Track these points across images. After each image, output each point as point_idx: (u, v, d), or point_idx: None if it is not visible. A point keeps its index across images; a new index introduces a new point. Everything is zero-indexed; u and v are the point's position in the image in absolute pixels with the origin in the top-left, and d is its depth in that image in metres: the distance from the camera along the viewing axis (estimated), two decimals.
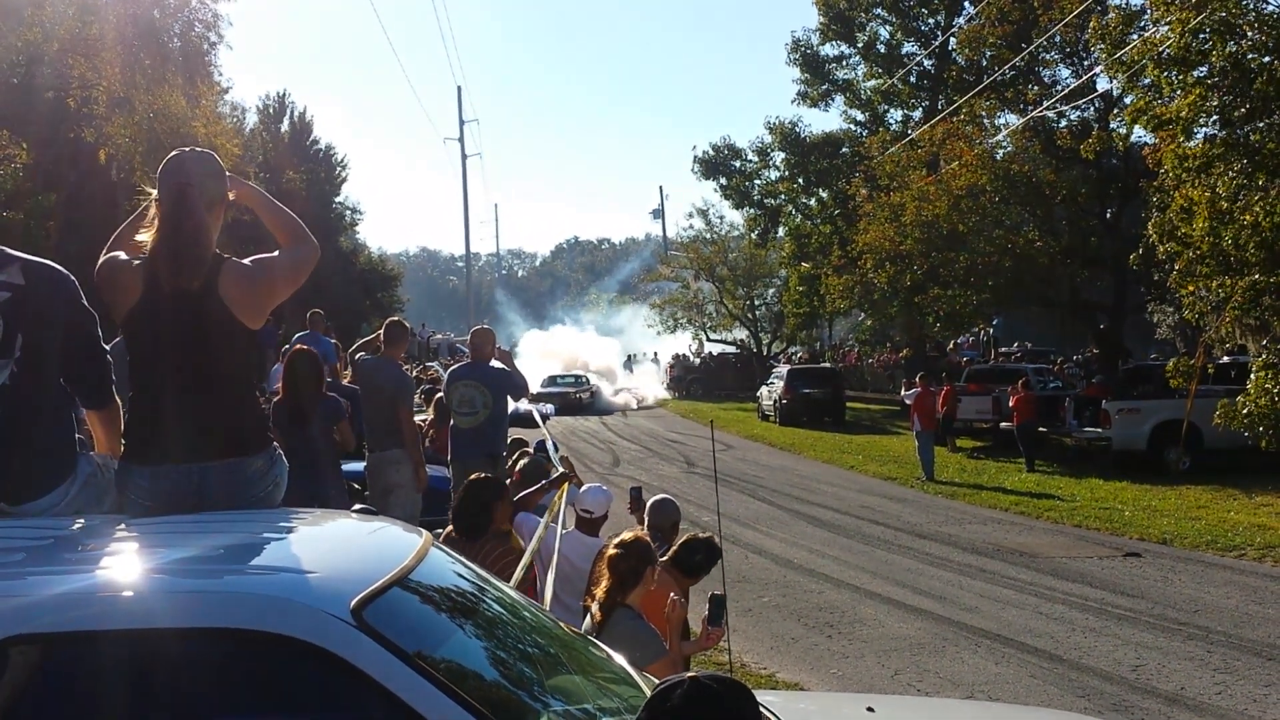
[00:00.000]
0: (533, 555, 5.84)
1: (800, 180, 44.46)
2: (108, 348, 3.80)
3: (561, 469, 7.71)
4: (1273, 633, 9.71)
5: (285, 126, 52.26)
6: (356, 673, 2.42)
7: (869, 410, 38.13)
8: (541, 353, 52.10)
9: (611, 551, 5.06)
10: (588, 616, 5.05)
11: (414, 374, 25.62)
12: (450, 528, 6.34)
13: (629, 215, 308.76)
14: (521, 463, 10.12)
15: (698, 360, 54.65)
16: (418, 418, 10.86)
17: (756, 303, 51.85)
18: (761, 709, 2.22)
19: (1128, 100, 22.97)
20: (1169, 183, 17.11)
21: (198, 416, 3.50)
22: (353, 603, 2.53)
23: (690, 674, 2.18)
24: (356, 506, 6.47)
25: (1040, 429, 22.57)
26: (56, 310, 3.52)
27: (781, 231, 47.52)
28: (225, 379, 3.59)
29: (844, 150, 42.29)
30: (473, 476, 6.68)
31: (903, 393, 25.64)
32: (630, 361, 57.09)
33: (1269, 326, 16.56)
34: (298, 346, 8.84)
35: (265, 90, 75.46)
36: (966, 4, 37.36)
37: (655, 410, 42.83)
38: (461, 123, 63.39)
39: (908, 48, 40.32)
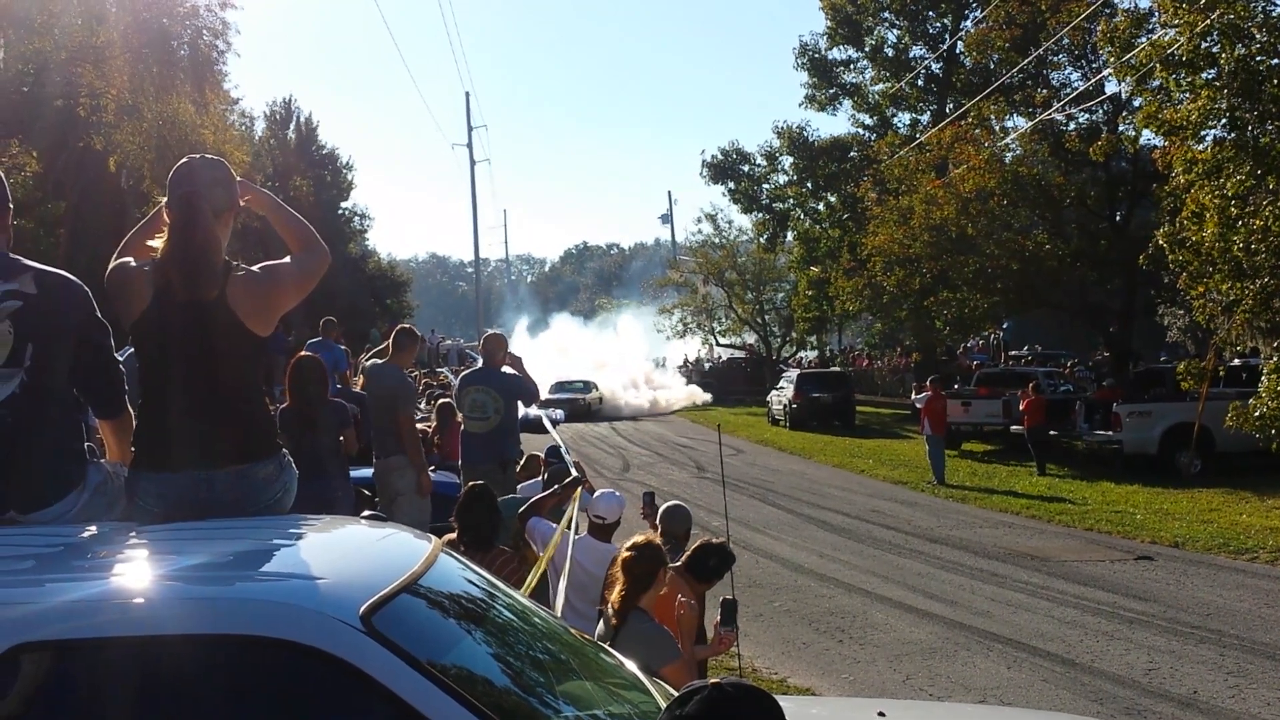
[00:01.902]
0: (547, 561, 5.84)
1: (809, 184, 44.51)
2: (120, 358, 3.80)
3: (575, 473, 7.70)
4: None
5: (291, 133, 52.32)
6: (366, 679, 2.42)
7: (879, 414, 38.08)
8: (557, 348, 50.56)
9: (625, 554, 5.07)
10: (601, 621, 5.04)
11: (423, 380, 25.70)
12: (444, 539, 6.33)
13: (638, 220, 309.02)
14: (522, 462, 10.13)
15: (708, 365, 54.60)
16: (422, 425, 10.85)
17: (765, 307, 51.80)
18: None
19: (1136, 103, 22.94)
20: (1179, 186, 17.07)
21: (207, 423, 3.50)
22: (362, 609, 2.53)
23: (714, 680, 2.13)
24: (366, 513, 6.47)
25: (1051, 432, 22.52)
26: (68, 320, 3.52)
27: (790, 236, 47.54)
28: (234, 386, 3.58)
29: (852, 154, 42.31)
30: (470, 484, 6.66)
31: (913, 396, 25.62)
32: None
33: None
34: (302, 353, 8.85)
35: (273, 96, 75.44)
36: (974, 7, 37.37)
37: (665, 415, 42.78)
38: (470, 129, 63.77)
39: (915, 51, 40.36)
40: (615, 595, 4.99)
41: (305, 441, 6.99)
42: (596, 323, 69.26)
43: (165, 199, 3.66)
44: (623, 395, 44.38)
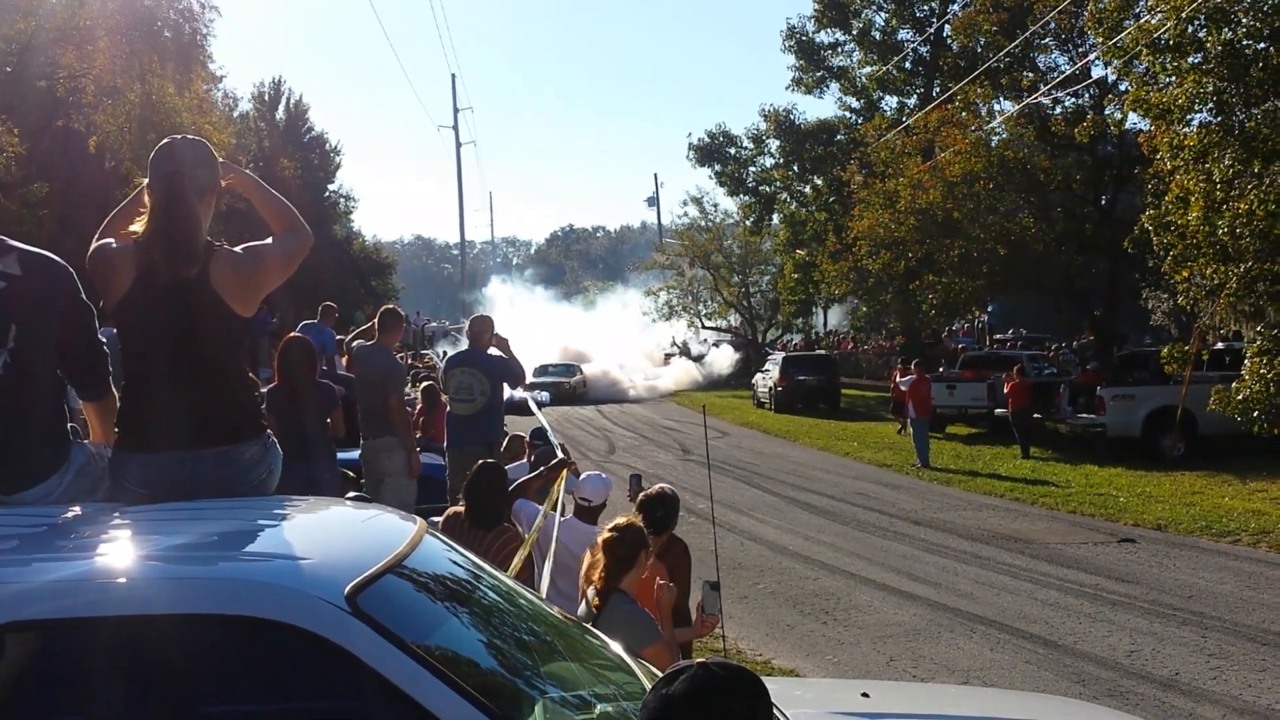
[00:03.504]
0: (532, 544, 5.84)
1: (795, 167, 44.48)
2: (104, 339, 3.78)
3: (560, 455, 7.70)
4: (1267, 618, 9.74)
5: (280, 114, 52.04)
6: (350, 658, 2.42)
7: (864, 397, 38.14)
8: (538, 324, 49.86)
9: (606, 535, 5.06)
10: (583, 603, 5.04)
11: (409, 362, 25.67)
12: (449, 512, 6.35)
13: (624, 203, 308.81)
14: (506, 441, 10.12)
15: (694, 350, 54.52)
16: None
17: (751, 290, 51.75)
18: (773, 705, 2.16)
19: (1123, 87, 22.96)
20: (1165, 170, 17.11)
21: (190, 404, 3.49)
22: (347, 589, 2.53)
23: (700, 660, 2.14)
24: (351, 494, 6.47)
25: (1035, 415, 22.59)
26: (52, 302, 3.51)
27: (776, 219, 47.51)
28: (217, 367, 3.58)
29: (839, 137, 42.29)
30: (482, 462, 6.66)
31: (896, 378, 25.68)
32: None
33: (1263, 312, 16.56)
34: (290, 334, 8.84)
35: (260, 78, 74.99)
36: None
37: (651, 398, 42.77)
38: (456, 111, 63.55)
39: (903, 34, 40.31)
40: (596, 576, 5.00)
41: (292, 423, 6.98)
42: (580, 304, 69.02)
43: (147, 179, 3.64)
44: (617, 377, 44.17)
